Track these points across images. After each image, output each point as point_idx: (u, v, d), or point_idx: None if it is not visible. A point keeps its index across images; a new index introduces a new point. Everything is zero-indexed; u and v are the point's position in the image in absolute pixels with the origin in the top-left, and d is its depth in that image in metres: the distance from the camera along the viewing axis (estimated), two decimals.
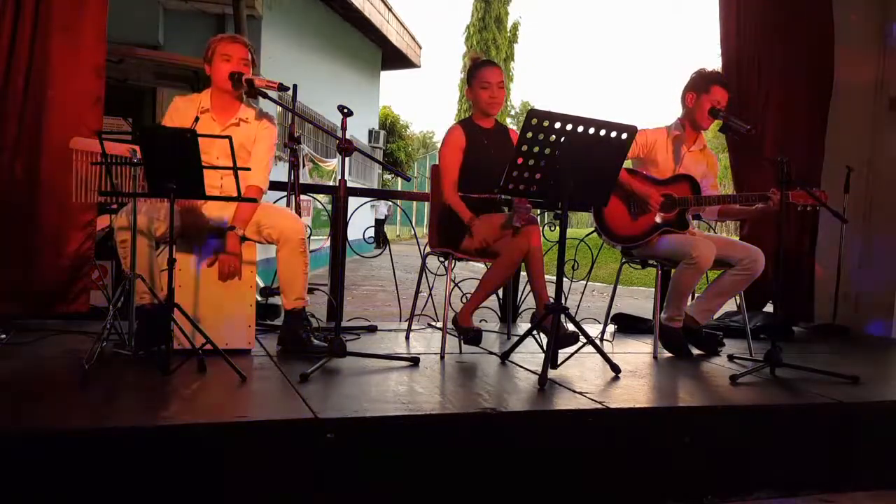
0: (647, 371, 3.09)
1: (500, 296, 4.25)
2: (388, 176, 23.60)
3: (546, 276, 3.21)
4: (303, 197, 3.79)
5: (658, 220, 3.44)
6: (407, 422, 2.16)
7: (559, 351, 2.88)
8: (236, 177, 2.50)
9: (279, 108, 6.94)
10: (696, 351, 3.50)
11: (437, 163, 3.48)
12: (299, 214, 3.33)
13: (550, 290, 3.00)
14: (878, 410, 2.74)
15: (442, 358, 3.10)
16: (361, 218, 4.72)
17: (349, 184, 3.59)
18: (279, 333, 3.09)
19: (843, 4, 4.60)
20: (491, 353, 3.31)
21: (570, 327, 3.06)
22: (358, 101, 14.72)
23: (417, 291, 3.77)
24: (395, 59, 17.28)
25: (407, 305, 3.95)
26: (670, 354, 3.43)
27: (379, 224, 17.13)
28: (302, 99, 4.00)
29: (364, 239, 4.39)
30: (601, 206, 3.43)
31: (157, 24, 8.35)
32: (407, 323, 3.74)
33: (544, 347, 2.88)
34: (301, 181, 3.58)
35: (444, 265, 3.49)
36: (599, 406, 2.41)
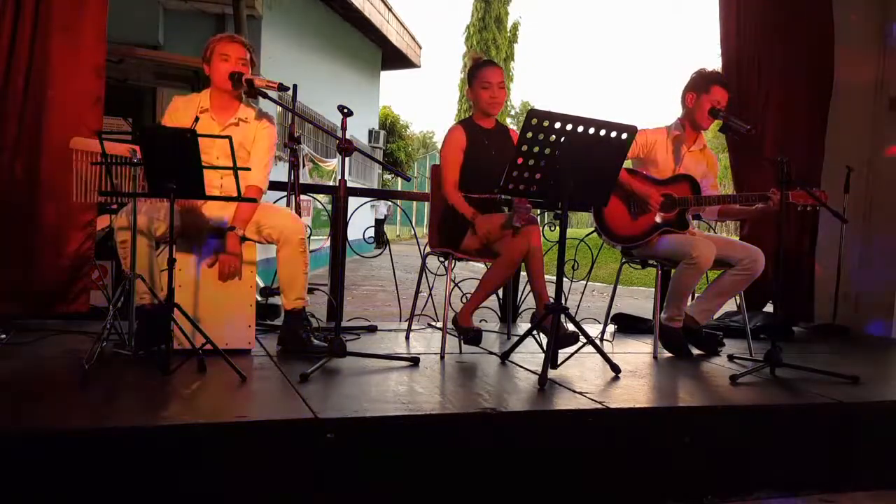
0: (647, 371, 3.09)
1: (500, 296, 4.25)
2: (388, 176, 23.60)
3: (546, 276, 3.21)
4: (303, 197, 3.78)
5: (658, 219, 3.44)
6: (407, 422, 2.16)
7: (559, 351, 2.88)
8: (236, 177, 2.50)
9: (279, 108, 6.94)
10: (696, 351, 3.50)
11: (437, 163, 3.49)
12: (299, 214, 3.33)
13: (550, 290, 3.00)
14: (878, 410, 2.74)
15: (442, 358, 3.10)
16: (361, 218, 4.72)
17: (349, 184, 3.59)
18: (279, 333, 3.09)
19: (843, 4, 4.60)
20: (491, 353, 3.31)
21: (570, 327, 3.06)
22: (358, 101, 14.71)
23: (417, 291, 3.76)
24: (395, 59, 17.27)
25: (407, 305, 3.95)
26: (670, 354, 3.43)
27: (379, 224, 17.12)
28: (302, 99, 4.00)
29: (364, 239, 4.39)
30: (601, 206, 3.43)
31: (157, 24, 8.34)
32: (407, 323, 3.74)
33: (544, 347, 2.88)
34: (301, 181, 3.58)
35: (444, 265, 3.49)
36: (599, 406, 2.41)
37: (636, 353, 3.49)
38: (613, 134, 2.74)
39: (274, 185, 3.56)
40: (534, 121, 2.66)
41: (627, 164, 3.46)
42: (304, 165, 10.87)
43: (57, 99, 3.23)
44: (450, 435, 2.23)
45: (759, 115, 4.44)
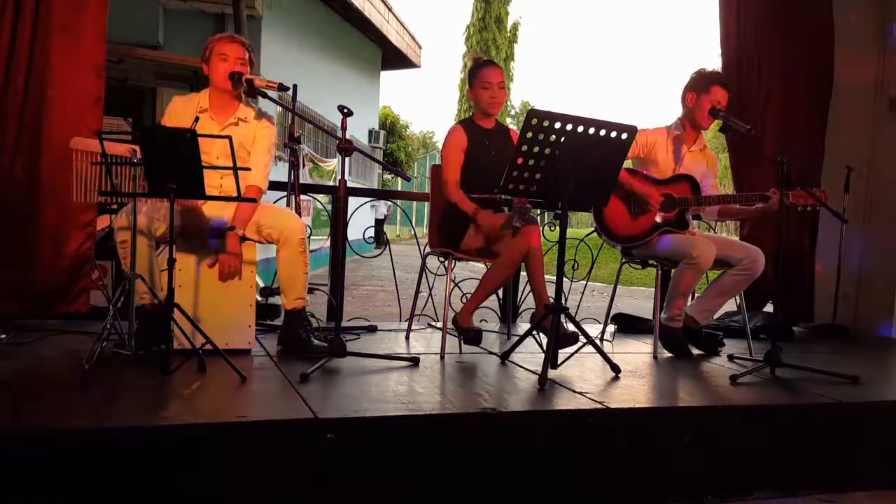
0: (647, 371, 3.09)
1: (500, 296, 4.25)
2: (388, 176, 23.60)
3: (546, 276, 3.21)
4: (303, 197, 3.78)
5: (658, 219, 3.44)
6: (407, 422, 2.16)
7: (559, 351, 2.88)
8: (236, 177, 2.50)
9: (279, 108, 6.94)
10: (696, 351, 3.49)
11: (437, 163, 3.48)
12: (299, 214, 3.33)
13: (550, 290, 3.00)
14: (878, 410, 2.74)
15: (442, 358, 3.10)
16: (361, 218, 4.72)
17: (349, 184, 3.59)
18: (279, 333, 3.09)
19: (843, 4, 4.60)
20: (491, 353, 3.31)
21: (570, 327, 3.06)
22: (358, 101, 14.71)
23: (417, 291, 3.77)
24: (395, 59, 17.27)
25: (407, 305, 3.95)
26: (670, 354, 3.43)
27: (379, 224, 17.13)
28: (302, 99, 4.00)
29: (364, 239, 4.39)
30: (601, 206, 3.43)
31: (157, 24, 8.34)
32: (407, 323, 3.74)
33: (544, 347, 2.88)
34: (301, 181, 3.58)
35: (444, 265, 3.49)
36: (599, 406, 2.41)
37: (636, 353, 3.49)
38: (613, 134, 2.74)
39: (274, 185, 3.56)
40: (534, 121, 2.66)
41: (627, 163, 3.46)
42: (304, 165, 10.87)
43: (57, 99, 3.23)
44: (450, 435, 2.23)
45: (759, 115, 4.44)
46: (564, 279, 2.87)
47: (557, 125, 2.67)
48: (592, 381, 2.79)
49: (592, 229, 3.84)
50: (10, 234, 3.21)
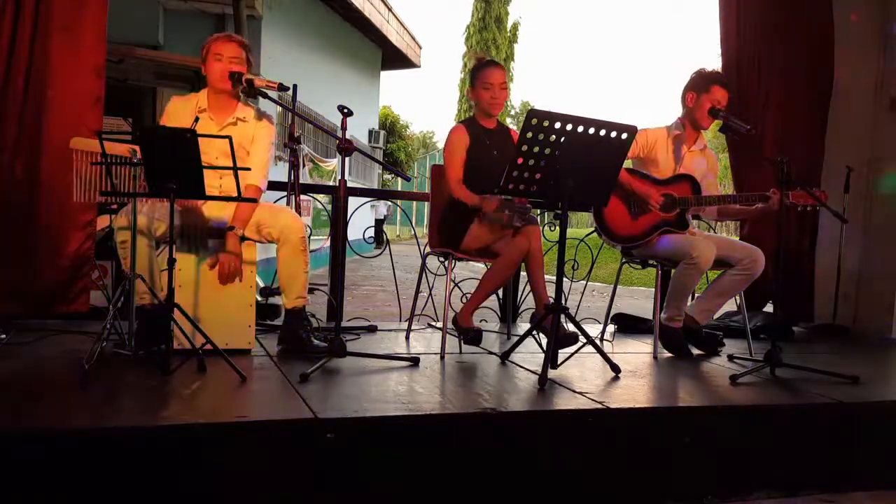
0: (647, 371, 3.09)
1: (500, 296, 4.25)
2: (388, 176, 23.61)
3: (546, 276, 3.21)
4: (303, 197, 3.79)
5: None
6: (407, 422, 2.16)
7: (559, 351, 2.88)
8: (236, 177, 2.50)
9: (279, 108, 6.94)
10: (696, 351, 3.50)
11: (437, 163, 3.48)
12: (299, 214, 3.33)
13: (550, 290, 3.00)
14: (878, 410, 2.74)
15: (442, 358, 3.10)
16: (361, 218, 4.72)
17: (349, 184, 3.59)
18: (279, 333, 3.09)
19: (843, 4, 4.60)
20: (491, 353, 3.31)
21: (570, 327, 3.06)
22: (358, 101, 14.71)
23: (417, 291, 3.77)
24: (395, 59, 17.26)
25: (407, 305, 3.95)
26: (670, 354, 3.43)
27: (379, 224, 17.12)
28: (302, 99, 4.00)
29: (364, 239, 4.39)
30: (601, 206, 3.43)
31: (157, 24, 8.34)
32: (407, 323, 3.74)
33: (544, 347, 2.88)
34: (301, 181, 3.58)
35: (444, 265, 3.49)
36: (599, 406, 2.41)
37: (636, 353, 3.49)
38: (613, 134, 2.74)
39: (274, 185, 3.56)
40: (534, 121, 2.66)
41: (627, 163, 3.46)
42: (304, 165, 10.87)
43: (57, 99, 3.23)
44: (450, 435, 2.23)
45: (759, 115, 4.44)
46: (564, 279, 2.87)
47: (557, 125, 2.67)
48: (592, 381, 2.79)
49: (592, 229, 3.84)
50: (10, 234, 3.21)
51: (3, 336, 2.93)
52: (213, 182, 2.92)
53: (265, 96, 3.02)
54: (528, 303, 3.87)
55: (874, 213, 4.64)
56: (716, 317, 4.08)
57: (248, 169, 2.90)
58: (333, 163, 13.53)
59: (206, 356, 2.58)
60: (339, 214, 3.51)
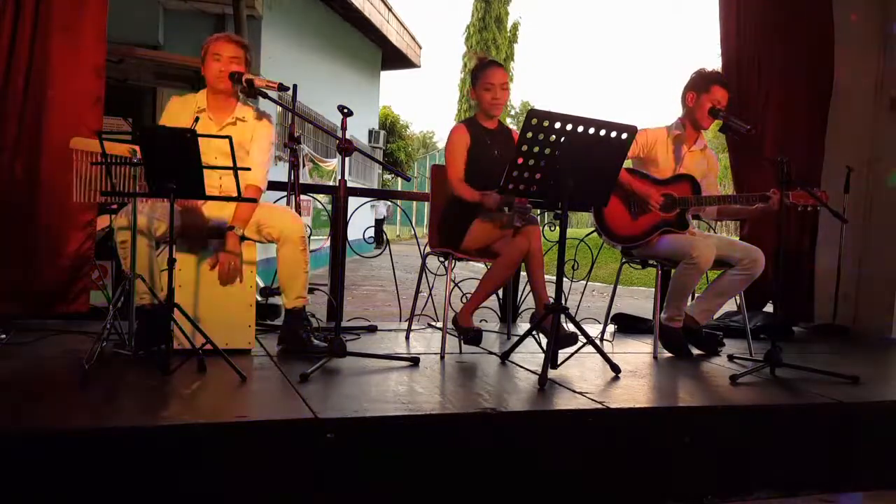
0: (647, 371, 3.09)
1: (500, 296, 4.25)
2: (388, 176, 23.61)
3: (546, 276, 3.21)
4: (303, 197, 3.79)
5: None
6: (407, 422, 2.16)
7: (559, 351, 2.88)
8: (236, 177, 2.50)
9: (279, 108, 6.94)
10: (696, 351, 3.50)
11: (437, 163, 3.48)
12: (299, 214, 3.33)
13: (550, 290, 3.00)
14: (878, 410, 2.74)
15: (442, 358, 3.10)
16: (361, 218, 4.72)
17: (349, 184, 3.59)
18: (279, 333, 3.09)
19: (843, 4, 4.60)
20: (491, 353, 3.31)
21: (570, 327, 3.06)
22: (358, 101, 14.71)
23: (417, 291, 3.77)
24: (395, 59, 17.27)
25: (407, 305, 3.95)
26: (670, 354, 3.43)
27: (379, 224, 17.13)
28: (302, 99, 4.00)
29: (364, 239, 4.39)
30: (601, 206, 3.43)
31: (157, 24, 8.35)
32: (407, 323, 3.75)
33: (544, 347, 2.88)
34: (301, 181, 3.58)
35: (444, 265, 3.49)
36: (599, 406, 2.41)
37: (636, 353, 3.49)
38: (613, 134, 2.74)
39: (274, 185, 3.56)
40: (534, 121, 2.66)
41: (627, 163, 3.46)
42: (304, 165, 10.87)
43: (57, 99, 3.23)
44: (450, 435, 2.23)
45: (759, 115, 4.44)
46: (564, 279, 2.87)
47: (557, 125, 2.67)
48: (592, 381, 2.79)
49: (592, 229, 3.84)
50: (10, 234, 3.21)
51: (3, 336, 2.93)
52: (213, 182, 2.92)
53: (265, 96, 3.02)
54: (528, 303, 3.87)
55: (874, 213, 4.64)
56: (716, 317, 4.08)
57: (249, 169, 2.90)
58: (333, 163, 13.53)
59: (206, 356, 2.58)
60: (339, 214, 3.51)
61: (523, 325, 4.21)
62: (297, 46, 11.16)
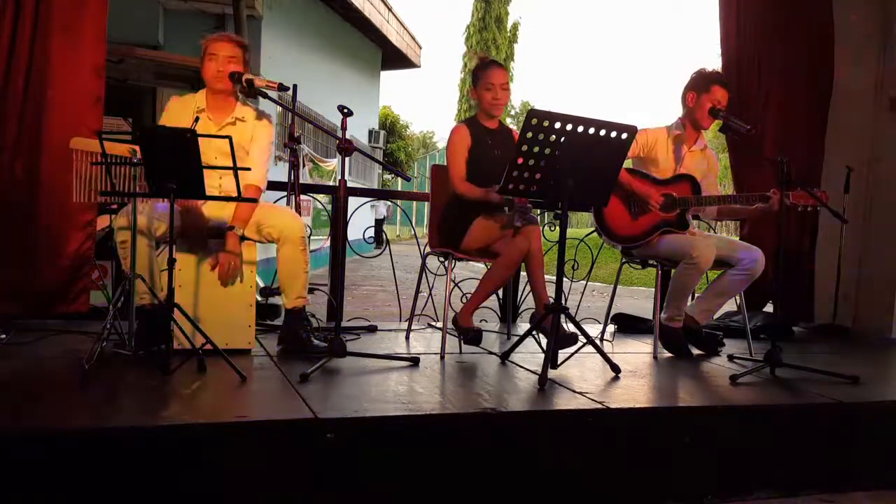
0: (647, 371, 3.09)
1: (500, 296, 4.25)
2: (388, 176, 23.61)
3: (546, 276, 3.21)
4: (303, 197, 3.79)
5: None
6: (407, 422, 2.16)
7: (559, 351, 2.88)
8: (236, 176, 2.50)
9: (279, 108, 6.93)
10: (696, 351, 3.50)
11: (437, 163, 3.48)
12: (299, 214, 3.33)
13: (550, 291, 3.00)
14: (878, 410, 2.74)
15: (442, 358, 3.10)
16: (361, 218, 4.72)
17: (349, 184, 3.59)
18: (279, 333, 3.09)
19: (843, 4, 4.60)
20: (491, 353, 3.31)
21: (570, 327, 3.06)
22: (358, 101, 14.71)
23: (417, 291, 3.77)
24: (395, 59, 17.27)
25: (407, 305, 3.95)
26: (670, 354, 3.43)
27: (379, 224, 17.13)
28: (302, 99, 3.99)
29: (364, 239, 4.39)
30: (601, 207, 3.43)
31: (157, 24, 8.35)
32: (407, 323, 3.75)
33: (544, 347, 2.88)
34: (301, 181, 3.58)
35: (444, 265, 3.49)
36: (599, 406, 2.41)
37: (636, 353, 3.49)
38: (613, 134, 2.74)
39: (274, 185, 3.56)
40: (534, 121, 2.66)
41: (628, 163, 3.46)
42: (304, 165, 10.87)
43: (57, 99, 3.23)
44: (450, 435, 2.23)
45: (759, 115, 4.44)
46: (564, 279, 2.87)
47: (557, 125, 2.67)
48: (592, 381, 2.79)
49: (592, 229, 3.84)
50: (10, 234, 3.21)
51: (3, 336, 2.93)
52: (213, 182, 2.92)
53: (265, 96, 3.01)
54: (528, 303, 3.87)
55: (874, 213, 4.64)
56: (716, 317, 4.08)
57: (249, 169, 2.90)
58: (333, 163, 13.53)
59: (206, 356, 2.58)
60: (339, 214, 3.51)
61: (523, 325, 4.21)
62: (297, 46, 11.16)
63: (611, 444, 2.38)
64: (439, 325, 3.94)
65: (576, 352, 3.01)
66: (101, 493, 1.87)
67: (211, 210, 3.01)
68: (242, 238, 2.95)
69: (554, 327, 2.80)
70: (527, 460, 2.26)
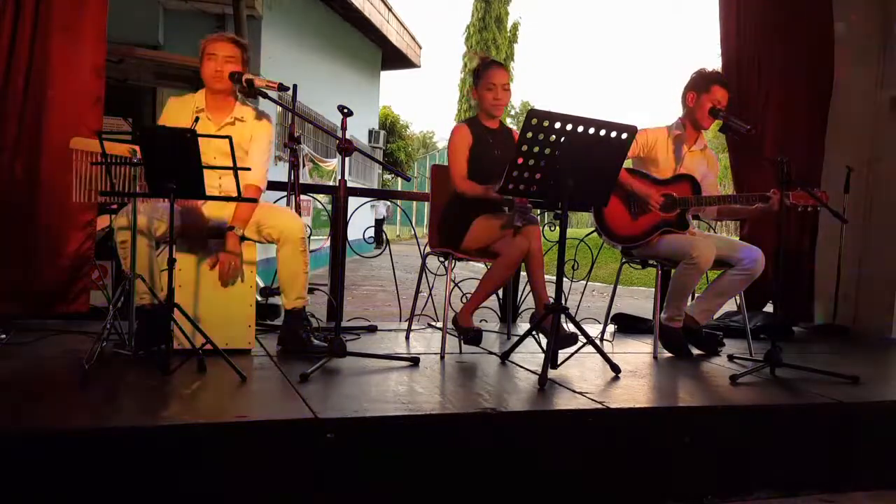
0: (647, 371, 3.09)
1: (500, 296, 4.25)
2: (388, 176, 23.60)
3: (546, 276, 3.21)
4: (303, 197, 3.78)
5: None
6: (407, 422, 2.16)
7: (559, 351, 2.88)
8: (236, 176, 2.50)
9: (279, 108, 6.93)
10: (696, 351, 3.50)
11: (437, 163, 3.48)
12: (299, 214, 3.33)
13: (550, 290, 3.00)
14: (878, 410, 2.74)
15: (442, 358, 3.10)
16: (361, 218, 4.72)
17: (349, 184, 3.59)
18: (279, 333, 3.09)
19: (843, 4, 4.60)
20: (491, 353, 3.31)
21: (570, 327, 3.06)
22: (358, 101, 14.71)
23: (417, 291, 3.77)
24: (395, 59, 17.27)
25: (407, 305, 3.95)
26: (670, 354, 3.43)
27: (379, 224, 17.13)
28: (302, 99, 4.00)
29: (364, 239, 4.39)
30: (601, 207, 3.43)
31: (157, 24, 8.35)
32: (407, 323, 3.75)
33: (544, 347, 2.88)
34: (301, 181, 3.58)
35: (444, 265, 3.49)
36: (599, 406, 2.41)
37: (636, 353, 3.49)
38: (613, 134, 2.74)
39: (274, 185, 3.56)
40: (534, 121, 2.66)
41: (628, 163, 3.46)
42: (304, 165, 10.87)
43: (57, 99, 3.23)
44: (450, 435, 2.23)
45: (759, 115, 4.44)
46: (564, 279, 2.87)
47: (557, 125, 2.67)
48: (592, 381, 2.79)
49: (592, 229, 3.84)
50: (10, 234, 3.21)
51: (3, 336, 2.93)
52: (213, 182, 2.92)
53: (265, 96, 3.01)
54: (528, 303, 3.87)
55: (874, 213, 4.64)
56: (716, 317, 4.08)
57: (248, 169, 2.90)
58: (333, 163, 13.53)
59: (206, 356, 2.58)
60: (339, 214, 3.51)
61: (523, 325, 4.21)
62: (297, 46, 11.16)
63: (611, 444, 2.38)
64: (439, 325, 3.94)
65: (576, 352, 3.01)
66: (101, 493, 1.87)
67: (211, 210, 3.01)
68: (242, 238, 2.95)
69: (554, 327, 2.80)
70: (527, 460, 2.26)
